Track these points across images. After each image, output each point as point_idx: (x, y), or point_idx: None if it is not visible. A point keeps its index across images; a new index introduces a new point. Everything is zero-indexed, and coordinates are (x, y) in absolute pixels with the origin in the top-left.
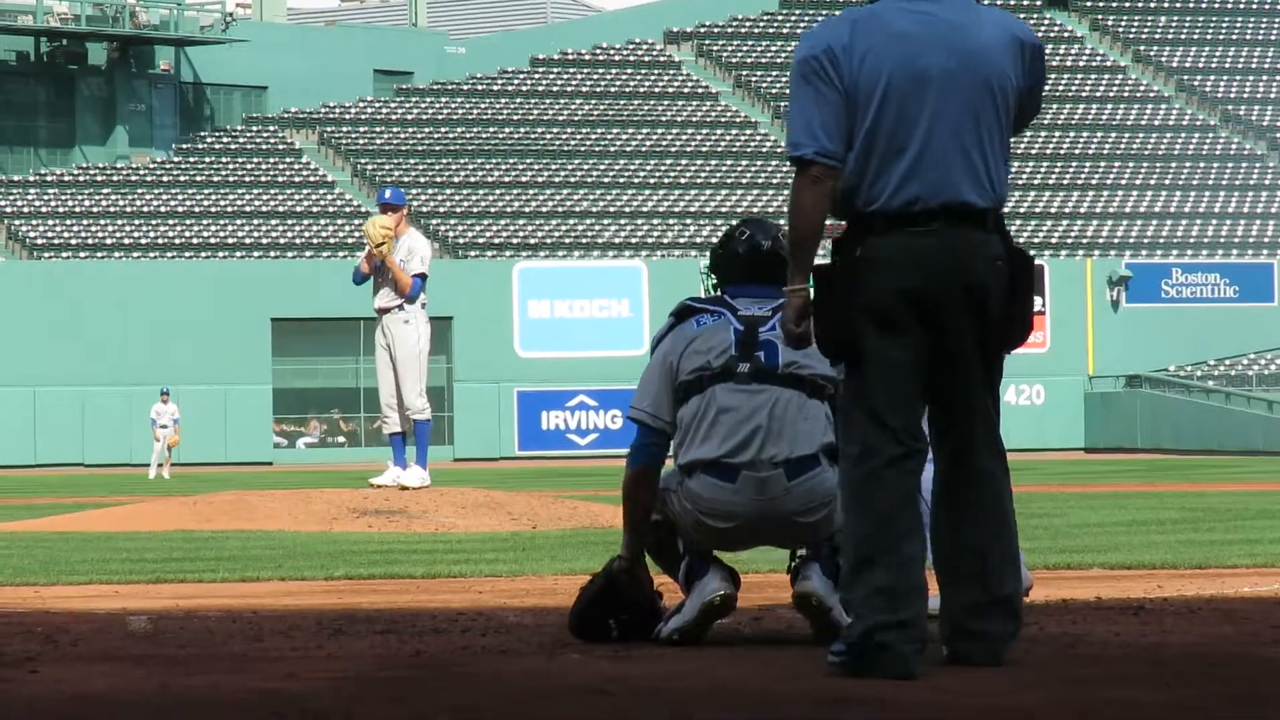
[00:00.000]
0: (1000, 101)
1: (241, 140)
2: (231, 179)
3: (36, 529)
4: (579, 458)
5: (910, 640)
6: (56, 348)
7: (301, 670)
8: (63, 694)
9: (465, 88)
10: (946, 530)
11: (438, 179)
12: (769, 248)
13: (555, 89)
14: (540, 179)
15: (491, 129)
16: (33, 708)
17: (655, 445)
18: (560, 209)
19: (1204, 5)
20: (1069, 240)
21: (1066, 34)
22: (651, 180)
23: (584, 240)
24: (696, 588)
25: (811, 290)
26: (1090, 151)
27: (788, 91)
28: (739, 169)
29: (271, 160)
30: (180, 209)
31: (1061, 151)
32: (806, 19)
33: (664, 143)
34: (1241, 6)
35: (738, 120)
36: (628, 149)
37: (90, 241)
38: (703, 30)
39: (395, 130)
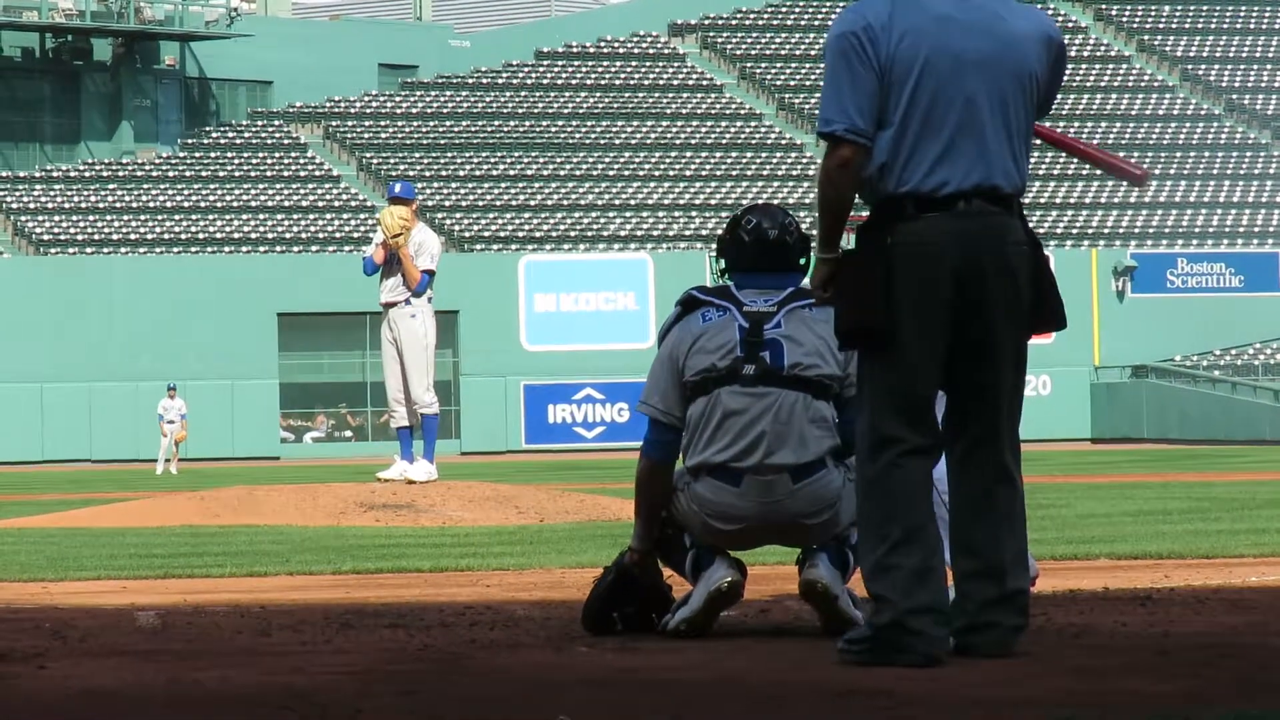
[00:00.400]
0: (1030, 92)
1: (247, 135)
2: (237, 174)
3: (44, 525)
4: (586, 451)
5: (939, 625)
6: (63, 343)
7: (309, 664)
8: (71, 689)
9: (470, 81)
10: (963, 524)
11: (443, 172)
12: (775, 235)
13: (560, 82)
14: (545, 172)
15: (496, 122)
16: (41, 703)
17: (668, 440)
18: (565, 202)
19: None
20: (1074, 230)
21: (1071, 24)
22: (656, 173)
23: (589, 233)
24: (703, 577)
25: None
26: (1095, 141)
27: (795, 82)
28: (744, 161)
29: (277, 155)
30: (186, 204)
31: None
32: (810, 11)
33: (669, 135)
34: None
35: (742, 112)
36: (632, 141)
37: (96, 237)
38: (707, 22)
39: (400, 124)
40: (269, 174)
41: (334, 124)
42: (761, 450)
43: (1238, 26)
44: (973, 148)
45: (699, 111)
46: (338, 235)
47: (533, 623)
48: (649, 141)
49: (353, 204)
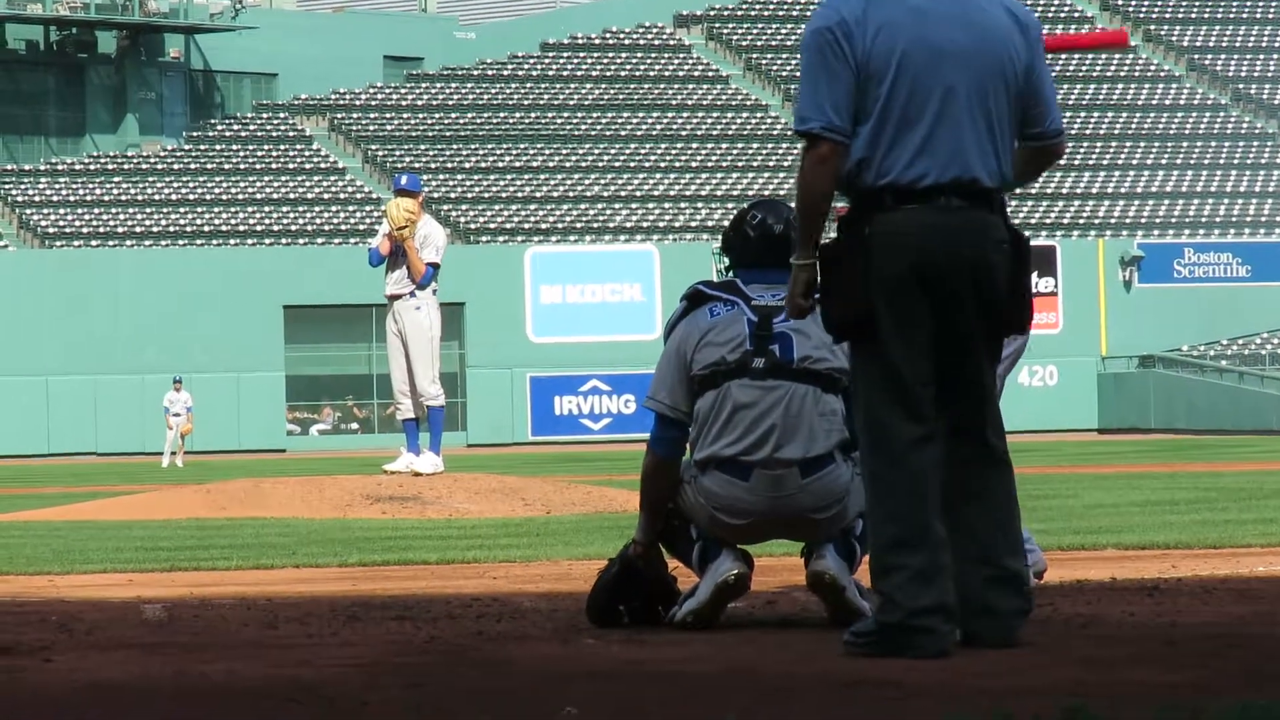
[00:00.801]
0: (1011, 83)
1: (252, 127)
2: (242, 166)
3: (50, 518)
4: (592, 443)
5: (947, 620)
6: (68, 336)
7: (316, 657)
8: (77, 682)
9: (475, 73)
10: (953, 509)
11: (448, 164)
12: (780, 230)
13: (565, 73)
14: (551, 163)
15: (502, 114)
16: (48, 696)
17: (675, 436)
18: (571, 193)
19: None
20: (1081, 221)
21: (1076, 14)
22: (662, 164)
23: (595, 225)
24: (710, 569)
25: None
26: (1101, 132)
27: (799, 72)
28: (750, 152)
29: (282, 147)
30: (191, 197)
31: (1072, 131)
32: (816, 2)
33: (674, 126)
34: None
35: (748, 103)
36: (638, 133)
37: (101, 230)
38: (713, 13)
39: (406, 116)
40: (274, 166)
41: (339, 116)
42: (771, 443)
43: (1244, 16)
44: (952, 140)
45: (705, 103)
46: (343, 228)
47: (539, 615)
48: (655, 133)
49: (358, 196)
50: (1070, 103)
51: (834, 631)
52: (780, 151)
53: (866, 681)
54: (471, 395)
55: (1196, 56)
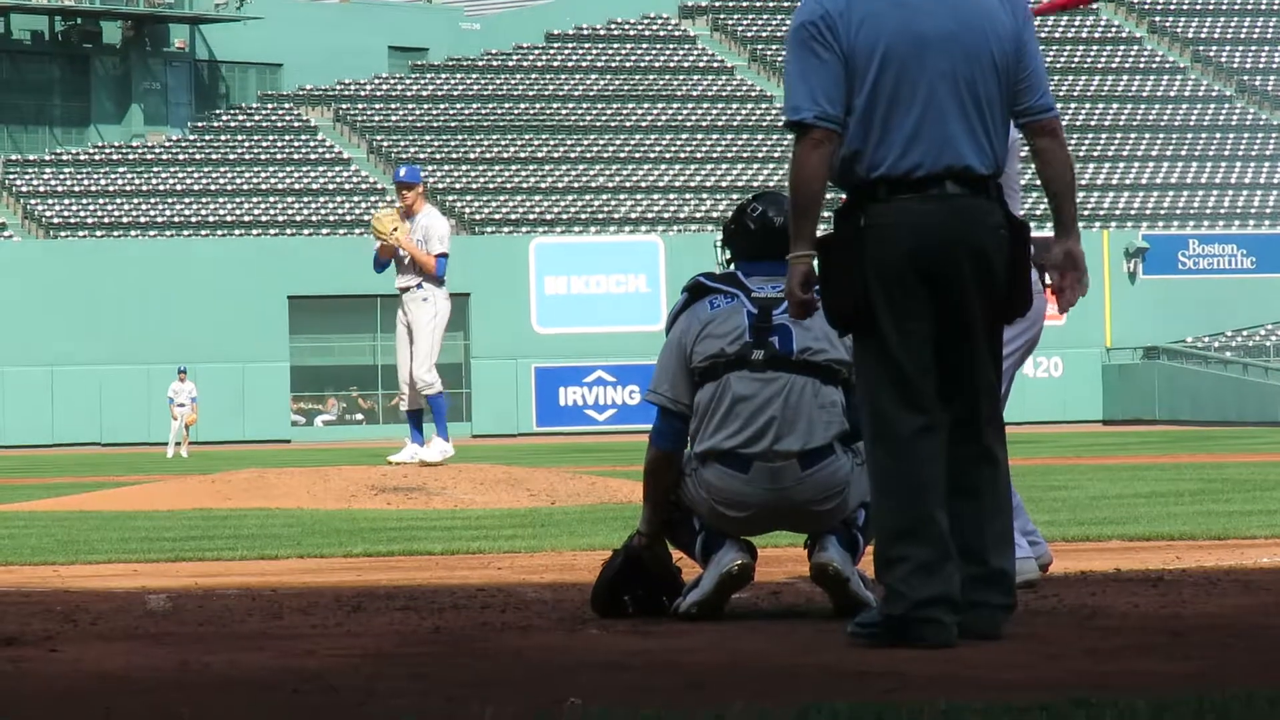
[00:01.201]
0: (1001, 66)
1: (257, 118)
2: (247, 157)
3: (55, 508)
4: (597, 433)
5: (951, 612)
6: (73, 327)
7: (321, 647)
8: (82, 672)
9: (480, 64)
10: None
11: (453, 155)
12: (781, 222)
13: (570, 64)
14: (556, 154)
15: (507, 105)
16: (52, 686)
17: (677, 428)
18: (576, 184)
19: None
20: (1085, 212)
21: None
22: (667, 155)
23: (600, 215)
24: (713, 560)
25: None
26: (1106, 123)
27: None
28: (754, 143)
29: (287, 138)
30: (196, 187)
31: (1077, 123)
32: None
33: (679, 117)
34: None
35: (753, 94)
36: (643, 124)
37: (106, 220)
38: (717, 4)
39: (410, 107)
40: (279, 157)
41: (344, 107)
42: (770, 436)
43: (1248, 7)
44: (942, 128)
45: (710, 94)
46: (348, 218)
47: (544, 605)
48: (660, 124)
49: (363, 187)
50: (1074, 94)
51: (839, 622)
52: (785, 143)
53: (870, 672)
54: (476, 386)
55: (1201, 48)
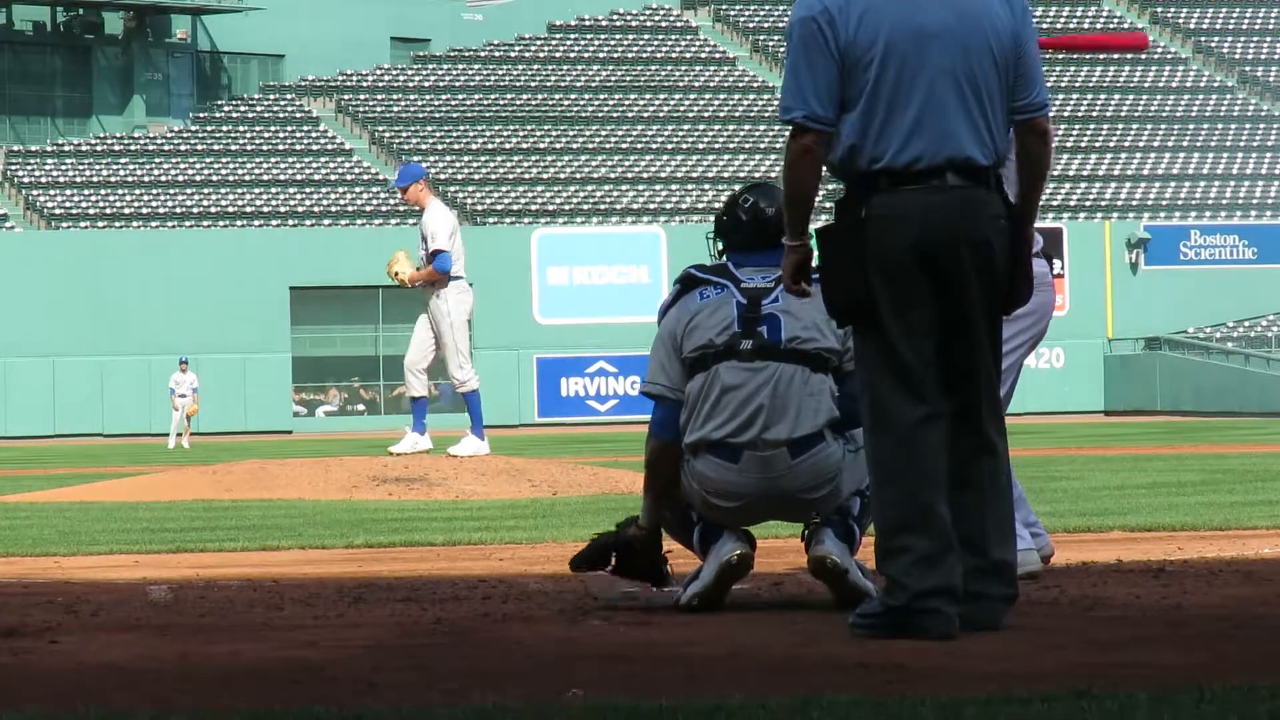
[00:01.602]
0: (1000, 58)
1: (259, 109)
2: (249, 148)
3: (56, 499)
4: (599, 424)
5: (953, 603)
6: (75, 317)
7: (322, 638)
8: (83, 664)
9: (483, 54)
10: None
11: (455, 146)
12: (773, 213)
13: (573, 55)
14: (558, 145)
15: (509, 95)
16: (54, 678)
17: (677, 417)
18: (578, 175)
19: None
20: (1087, 203)
21: None
22: (669, 146)
23: (602, 206)
24: (712, 551)
25: (814, 250)
26: (1108, 114)
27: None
28: (757, 134)
29: (289, 128)
30: (198, 178)
31: (1079, 114)
32: None
33: (682, 108)
34: None
35: (755, 85)
36: (645, 114)
37: (108, 211)
38: None
39: (413, 97)
40: (281, 148)
41: (346, 97)
42: (759, 424)
43: None
44: (943, 121)
45: (712, 85)
46: (350, 209)
47: (545, 596)
48: (662, 115)
49: (364, 178)
50: (1076, 85)
51: (840, 613)
52: (787, 134)
53: (872, 664)
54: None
55: (1203, 39)
